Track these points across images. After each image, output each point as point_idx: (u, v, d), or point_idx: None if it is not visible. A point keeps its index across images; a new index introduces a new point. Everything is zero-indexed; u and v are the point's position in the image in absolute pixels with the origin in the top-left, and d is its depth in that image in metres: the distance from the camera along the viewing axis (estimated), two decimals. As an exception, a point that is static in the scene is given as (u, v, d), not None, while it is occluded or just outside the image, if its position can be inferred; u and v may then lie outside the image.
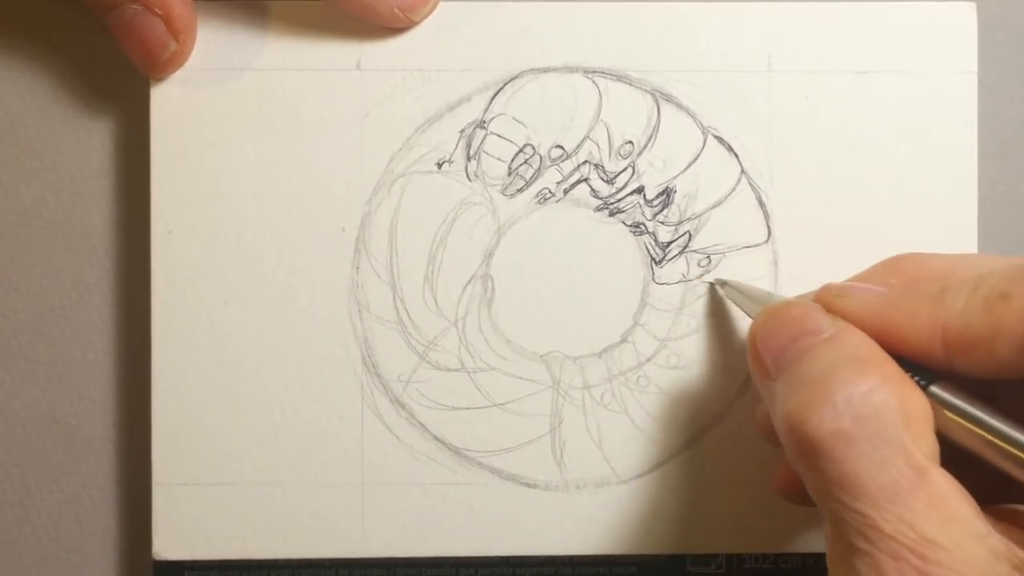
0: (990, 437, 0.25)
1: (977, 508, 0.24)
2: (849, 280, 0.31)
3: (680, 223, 0.34)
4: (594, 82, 0.34)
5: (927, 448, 0.25)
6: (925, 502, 0.24)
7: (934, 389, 0.26)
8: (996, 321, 0.25)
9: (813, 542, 0.34)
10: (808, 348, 0.27)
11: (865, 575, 0.24)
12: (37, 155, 0.35)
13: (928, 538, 0.23)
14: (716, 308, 0.34)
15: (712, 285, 0.34)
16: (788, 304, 0.29)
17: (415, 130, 0.34)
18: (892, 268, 0.30)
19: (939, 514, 0.24)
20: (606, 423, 0.34)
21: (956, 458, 0.25)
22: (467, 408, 0.34)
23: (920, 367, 0.27)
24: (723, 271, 0.34)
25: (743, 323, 0.34)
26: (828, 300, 0.28)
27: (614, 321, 0.34)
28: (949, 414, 0.26)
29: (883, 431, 0.24)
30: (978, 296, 0.26)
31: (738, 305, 0.33)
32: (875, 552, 0.24)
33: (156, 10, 0.32)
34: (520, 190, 0.34)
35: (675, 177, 0.34)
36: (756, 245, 0.34)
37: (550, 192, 0.34)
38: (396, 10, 0.33)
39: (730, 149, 0.34)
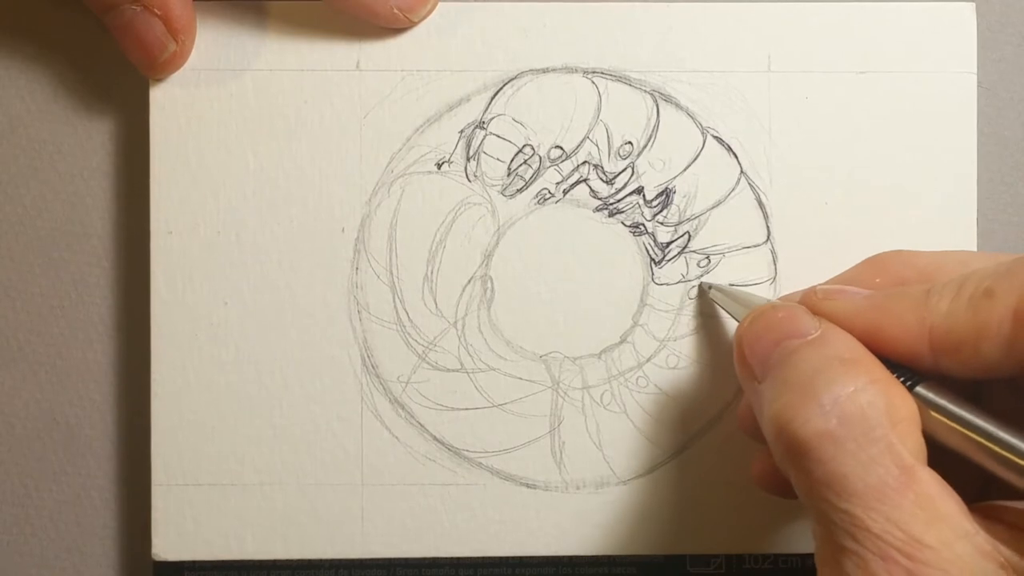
0: (976, 437, 0.25)
1: (964, 507, 0.24)
2: (834, 279, 0.31)
3: (679, 223, 0.34)
4: (593, 82, 0.34)
5: (914, 448, 0.25)
6: (912, 501, 0.24)
7: (920, 390, 0.26)
8: (981, 321, 0.25)
9: (812, 541, 0.34)
10: (794, 350, 0.27)
11: (853, 575, 0.24)
12: (37, 155, 0.35)
13: (915, 537, 0.23)
14: (714, 309, 0.34)
15: (700, 289, 0.34)
16: (773, 307, 0.29)
17: (415, 130, 0.34)
18: (877, 267, 0.30)
19: (926, 513, 0.24)
20: (605, 423, 0.34)
21: (943, 458, 0.25)
22: (467, 408, 0.34)
23: (906, 368, 0.27)
24: (723, 271, 0.34)
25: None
26: (814, 303, 0.29)
27: (613, 321, 0.34)
28: (935, 415, 0.26)
29: (870, 431, 0.24)
30: (963, 296, 0.26)
31: (725, 309, 0.33)
32: (863, 552, 0.24)
33: (155, 11, 0.32)
34: (520, 190, 0.34)
35: (674, 177, 0.34)
36: (756, 245, 0.34)
37: (549, 192, 0.34)
38: (395, 10, 0.33)
39: (729, 149, 0.34)
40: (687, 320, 0.34)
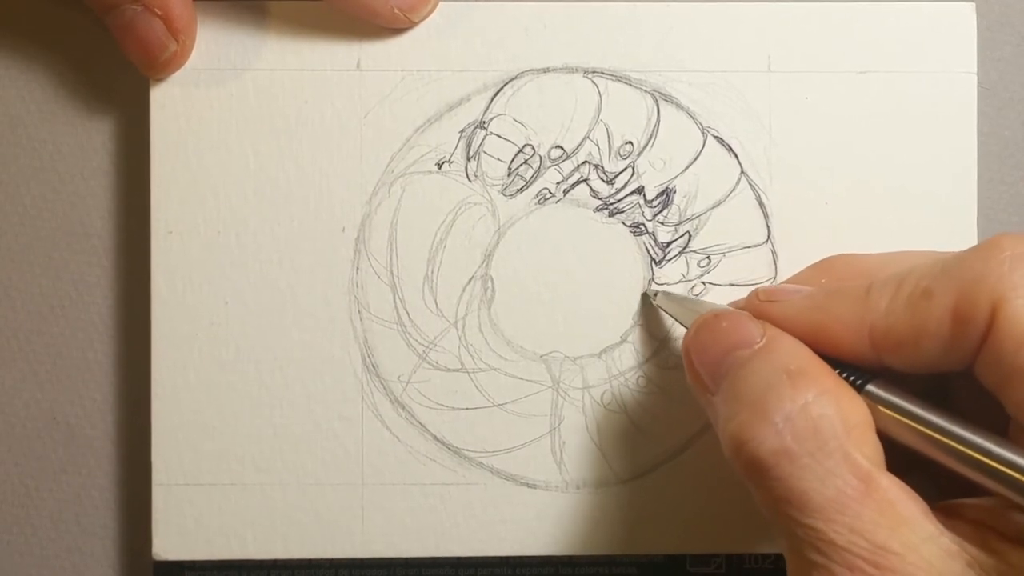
0: (928, 432, 0.25)
1: (926, 508, 0.24)
2: (781, 283, 0.31)
3: (680, 223, 0.34)
4: (594, 82, 0.34)
5: (871, 453, 0.25)
6: (873, 509, 0.24)
7: (869, 388, 0.26)
8: (920, 320, 0.25)
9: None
10: (742, 361, 0.27)
11: None
12: (37, 155, 0.35)
13: (880, 545, 0.23)
14: (656, 314, 0.34)
15: (644, 295, 0.34)
16: (716, 315, 0.29)
17: (415, 130, 0.34)
18: (823, 269, 0.31)
19: (889, 520, 0.24)
20: (606, 423, 0.34)
21: (901, 459, 0.25)
22: (467, 408, 0.34)
23: (854, 367, 0.27)
24: (723, 271, 0.34)
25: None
26: (757, 306, 0.29)
27: (614, 321, 0.34)
28: (886, 411, 0.26)
29: (824, 444, 0.24)
30: (901, 295, 0.26)
31: (671, 315, 0.33)
32: (830, 564, 0.24)
33: (156, 11, 0.32)
34: (520, 190, 0.34)
35: (675, 177, 0.34)
36: (756, 245, 0.34)
37: (550, 192, 0.34)
38: (396, 10, 0.33)
39: (730, 149, 0.34)
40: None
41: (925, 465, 0.25)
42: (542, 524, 0.34)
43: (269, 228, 0.34)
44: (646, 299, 0.33)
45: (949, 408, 0.26)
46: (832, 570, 0.24)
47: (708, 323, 0.29)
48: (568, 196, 0.34)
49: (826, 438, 0.25)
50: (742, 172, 0.34)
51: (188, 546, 0.33)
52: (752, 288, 0.32)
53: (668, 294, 0.33)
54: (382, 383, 0.34)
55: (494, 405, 0.34)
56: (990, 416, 0.25)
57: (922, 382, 0.27)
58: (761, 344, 0.27)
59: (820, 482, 0.24)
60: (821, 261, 0.31)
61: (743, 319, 0.28)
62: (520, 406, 0.34)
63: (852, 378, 0.26)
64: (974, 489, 0.25)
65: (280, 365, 0.33)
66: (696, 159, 0.34)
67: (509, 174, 0.34)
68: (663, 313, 0.33)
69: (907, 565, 0.23)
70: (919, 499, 0.24)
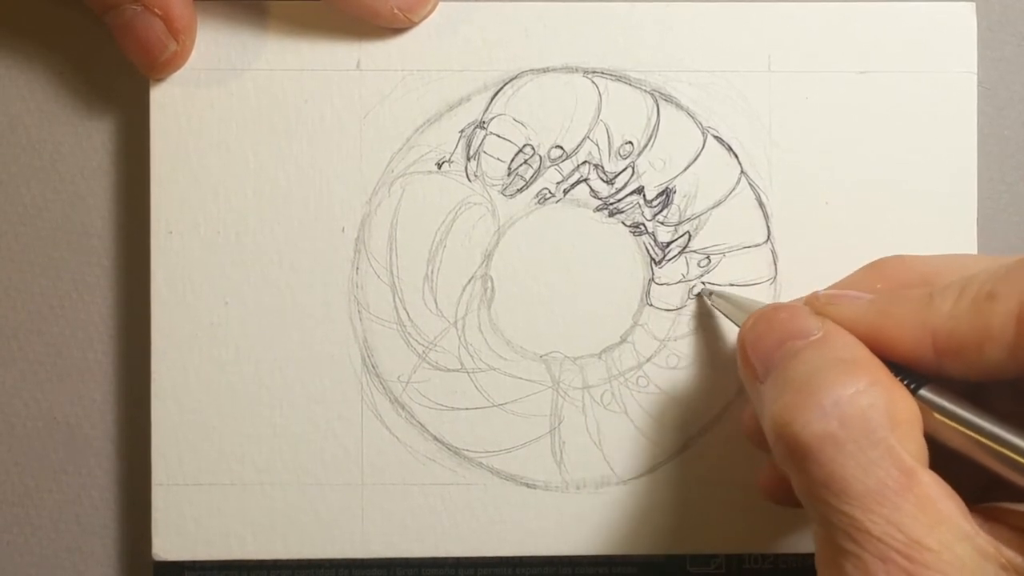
0: (980, 438, 0.25)
1: (965, 509, 0.24)
2: (834, 285, 0.31)
3: (680, 223, 0.34)
4: (594, 82, 0.34)
5: (915, 450, 0.25)
6: (913, 503, 0.24)
7: (924, 392, 0.26)
8: (984, 323, 0.25)
9: (813, 542, 0.34)
10: (796, 350, 0.27)
11: None
12: (37, 155, 0.35)
13: (915, 540, 0.23)
14: (713, 310, 0.34)
15: (699, 296, 0.34)
16: (776, 307, 0.29)
17: (415, 130, 0.34)
18: (877, 272, 0.30)
19: (927, 516, 0.24)
20: (606, 423, 0.34)
21: (944, 460, 0.25)
22: (467, 408, 0.34)
23: (909, 371, 0.27)
24: (723, 271, 0.34)
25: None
26: (816, 307, 0.28)
27: (614, 321, 0.34)
28: (939, 417, 0.26)
29: (870, 433, 0.24)
30: (965, 298, 0.26)
31: (726, 315, 0.33)
32: (863, 554, 0.24)
33: (155, 10, 0.32)
34: (520, 190, 0.34)
35: (675, 177, 0.34)
36: (756, 245, 0.34)
37: (550, 192, 0.34)
38: (396, 10, 0.33)
39: (730, 149, 0.34)
40: (687, 320, 0.34)
41: (965, 467, 0.25)
42: (542, 524, 0.34)
43: (269, 228, 0.34)
44: (701, 298, 0.33)
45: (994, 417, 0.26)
46: (864, 559, 0.24)
47: (767, 314, 0.29)
48: (568, 196, 0.34)
49: (873, 428, 0.24)
50: (742, 172, 0.34)
51: (188, 546, 0.33)
52: (750, 286, 0.32)
53: (723, 293, 0.33)
54: (382, 383, 0.34)
55: (494, 405, 0.34)
56: None
57: (963, 388, 0.26)
58: (818, 336, 0.27)
59: (862, 471, 0.24)
60: (874, 263, 0.31)
61: (802, 311, 0.28)
62: (520, 406, 0.34)
63: (906, 381, 0.26)
64: (1015, 495, 0.25)
65: (280, 365, 0.33)
66: (696, 159, 0.34)
67: (509, 174, 0.34)
68: (717, 312, 0.33)
69: (941, 562, 0.23)
70: (958, 499, 0.24)
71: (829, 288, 0.30)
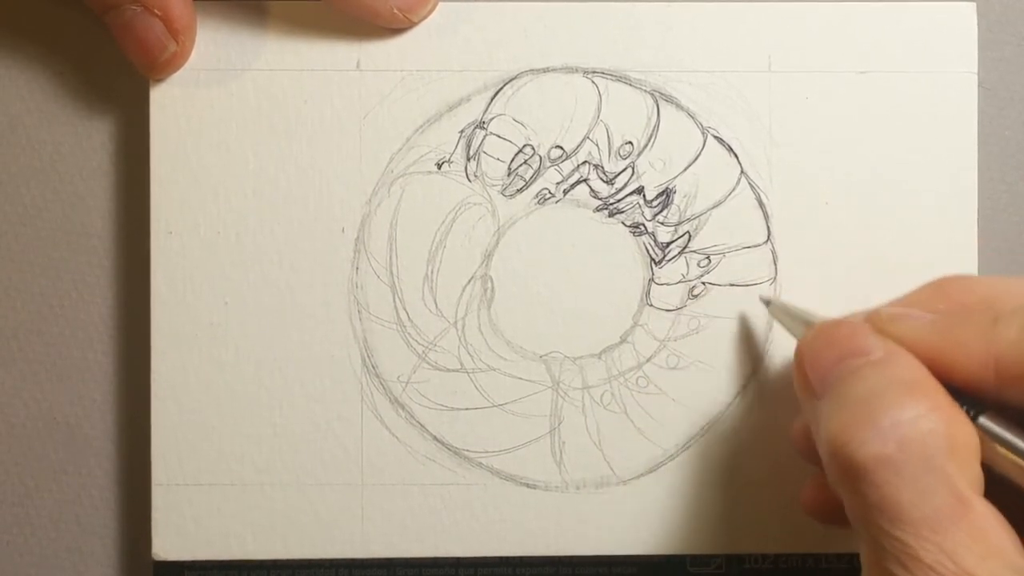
0: None
1: (1019, 542, 0.24)
2: (894, 303, 0.30)
3: (680, 223, 0.34)
4: (594, 82, 0.34)
5: (971, 479, 0.24)
6: (966, 533, 0.23)
7: (983, 420, 0.26)
8: None
9: (813, 542, 0.34)
10: (856, 369, 0.27)
11: None
12: (37, 155, 0.35)
13: (967, 570, 0.23)
14: (715, 309, 0.34)
15: (761, 299, 0.33)
16: (837, 323, 0.29)
17: (415, 130, 0.34)
18: (938, 292, 0.30)
19: (979, 546, 0.23)
20: (606, 423, 0.34)
21: (1000, 490, 0.25)
22: (467, 408, 0.34)
23: (970, 397, 0.26)
24: (723, 271, 0.34)
25: (743, 323, 0.34)
26: (878, 325, 0.28)
27: (614, 321, 0.34)
28: (998, 447, 0.25)
29: (928, 459, 0.24)
30: None
31: (783, 324, 0.32)
32: None
33: (155, 11, 0.32)
34: (520, 190, 0.34)
35: (675, 177, 0.34)
36: (756, 245, 0.34)
37: (550, 192, 0.34)
38: (396, 11, 0.33)
39: (730, 149, 0.34)
40: (687, 320, 0.34)
41: (1022, 502, 0.25)
42: (542, 524, 0.34)
43: (269, 228, 0.34)
44: (768, 305, 0.33)
45: None
46: None
47: (827, 329, 0.28)
48: (568, 196, 0.34)
49: (931, 453, 0.24)
50: (742, 172, 0.34)
51: (188, 546, 0.33)
52: (750, 286, 0.32)
53: (783, 303, 0.32)
54: (382, 383, 0.34)
55: (494, 405, 0.34)
56: None
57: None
58: (879, 356, 0.27)
59: (918, 496, 0.24)
60: (935, 282, 0.30)
61: (864, 329, 0.28)
62: (520, 406, 0.34)
63: (965, 407, 0.26)
64: None
65: (280, 365, 0.33)
66: (696, 159, 0.34)
67: (509, 174, 0.34)
68: (776, 322, 0.33)
69: None
70: (1013, 532, 0.24)
71: (890, 305, 0.30)
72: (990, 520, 0.24)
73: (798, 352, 0.29)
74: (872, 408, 0.25)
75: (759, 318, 0.34)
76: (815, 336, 0.28)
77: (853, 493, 0.25)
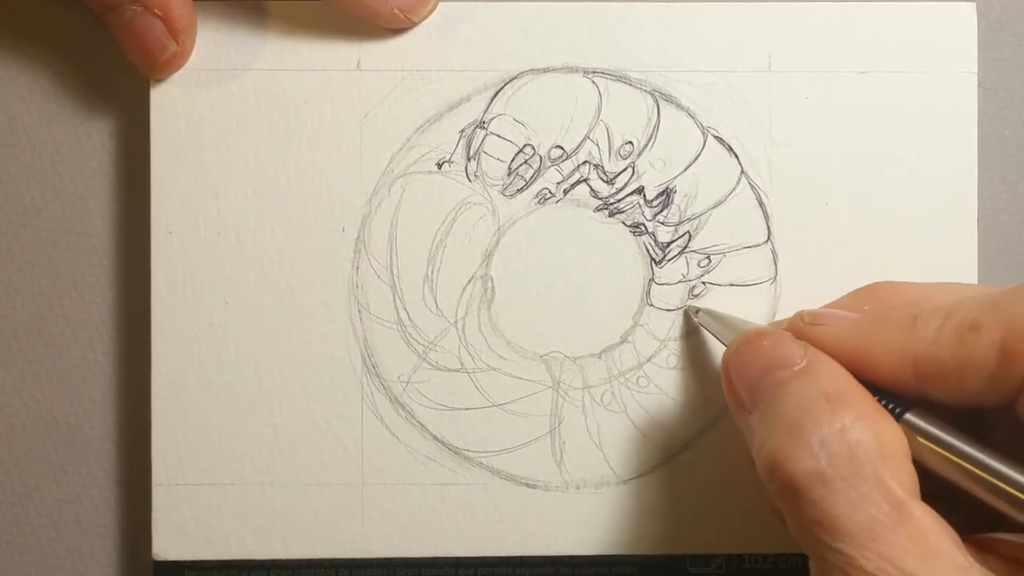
0: (965, 465, 0.25)
1: (958, 541, 0.24)
2: (825, 307, 0.31)
3: (680, 223, 0.34)
4: (594, 82, 0.34)
5: (905, 481, 0.25)
6: (905, 538, 0.24)
7: (909, 417, 0.26)
8: (966, 352, 0.25)
9: None
10: (782, 382, 0.27)
11: None
12: (37, 155, 0.35)
13: (910, 574, 0.23)
14: (715, 308, 0.34)
15: (687, 312, 0.34)
16: (758, 334, 0.29)
17: (415, 130, 0.34)
18: (867, 295, 0.30)
19: (920, 549, 0.24)
20: (606, 423, 0.34)
21: (936, 489, 0.25)
22: (467, 408, 0.34)
23: (894, 395, 0.26)
24: (723, 271, 0.34)
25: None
26: (800, 328, 0.28)
27: (614, 321, 0.34)
28: (924, 442, 0.26)
29: (859, 469, 0.24)
30: (949, 326, 0.26)
31: (711, 332, 0.33)
32: None
33: (155, 11, 0.32)
34: (520, 190, 0.34)
35: (675, 177, 0.34)
36: (756, 245, 0.34)
37: (550, 192, 0.34)
38: (396, 11, 0.33)
39: (730, 149, 0.34)
40: (687, 320, 0.34)
41: (958, 496, 0.25)
42: (542, 524, 0.34)
43: (269, 228, 0.34)
44: (688, 315, 0.33)
45: (985, 442, 0.25)
46: None
47: (749, 341, 0.29)
48: (568, 196, 0.34)
49: (861, 463, 0.24)
50: (742, 172, 0.34)
51: (188, 546, 0.33)
52: (750, 286, 0.32)
53: (710, 311, 0.33)
54: (382, 383, 0.34)
55: (494, 405, 0.34)
56: None
57: (959, 414, 0.26)
58: (801, 366, 0.27)
59: (853, 507, 0.24)
60: (865, 287, 0.31)
61: (785, 339, 0.28)
62: (520, 406, 0.34)
63: (891, 406, 0.26)
64: (1008, 523, 0.25)
65: (280, 365, 0.33)
66: (696, 159, 0.34)
67: (509, 174, 0.34)
68: (703, 329, 0.33)
69: None
70: (951, 531, 0.24)
71: (819, 309, 0.30)
72: (928, 522, 0.24)
73: (724, 364, 0.29)
74: (801, 425, 0.25)
75: (760, 318, 0.34)
76: (739, 348, 0.29)
77: (792, 510, 0.25)
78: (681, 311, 0.34)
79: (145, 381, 0.34)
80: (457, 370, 0.34)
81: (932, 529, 0.24)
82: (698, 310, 0.33)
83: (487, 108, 0.34)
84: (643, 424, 0.34)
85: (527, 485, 0.34)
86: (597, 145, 0.34)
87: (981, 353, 0.25)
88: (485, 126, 0.34)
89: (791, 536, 0.34)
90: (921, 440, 0.26)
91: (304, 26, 0.34)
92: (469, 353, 0.34)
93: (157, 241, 0.33)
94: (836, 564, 0.24)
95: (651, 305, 0.34)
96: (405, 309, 0.34)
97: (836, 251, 0.34)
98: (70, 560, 0.35)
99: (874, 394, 0.26)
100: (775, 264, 0.34)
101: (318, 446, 0.34)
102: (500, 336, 0.34)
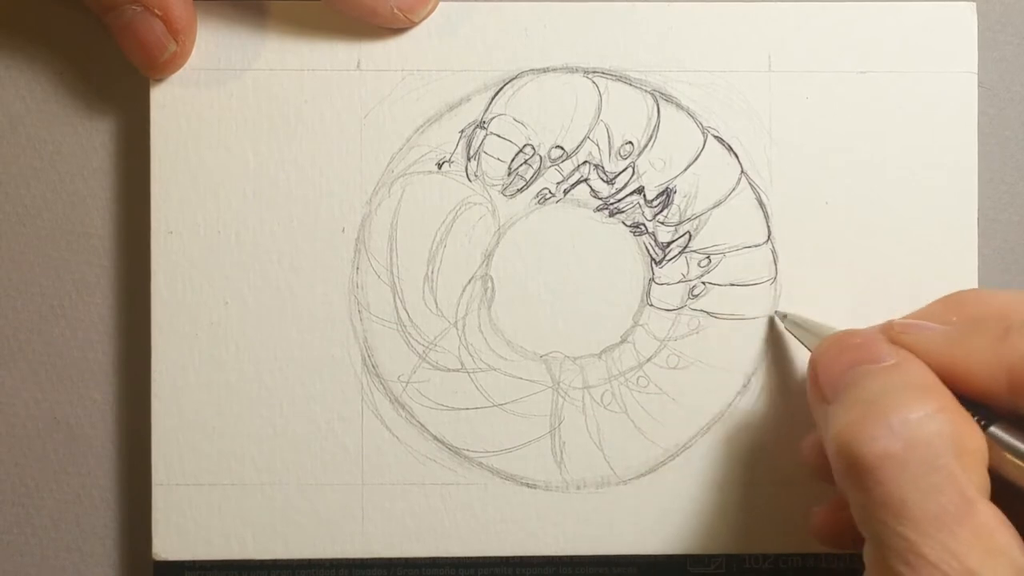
0: None
1: (1022, 544, 0.24)
2: (909, 316, 0.30)
3: (680, 223, 0.34)
4: (594, 82, 0.34)
5: (977, 481, 0.25)
6: (970, 532, 0.24)
7: (994, 429, 0.26)
8: None
9: (813, 542, 0.34)
10: (867, 373, 0.27)
11: None
12: (37, 155, 0.35)
13: (970, 568, 0.23)
14: (715, 308, 0.34)
15: (774, 317, 0.33)
16: (851, 333, 0.29)
17: (415, 130, 0.34)
18: (954, 305, 0.30)
19: (983, 545, 0.24)
20: (606, 423, 0.34)
21: (1007, 498, 0.25)
22: (467, 408, 0.34)
23: (982, 406, 0.26)
24: (723, 271, 0.34)
25: (743, 324, 0.34)
26: (891, 336, 0.28)
27: (614, 321, 0.34)
28: (1008, 455, 0.25)
29: (935, 458, 0.24)
30: None
31: (797, 337, 0.33)
32: None
33: (155, 11, 0.32)
34: (520, 190, 0.34)
35: (675, 177, 0.34)
36: (756, 245, 0.34)
37: (550, 192, 0.34)
38: (396, 11, 0.33)
39: (730, 149, 0.34)
40: (688, 320, 0.34)
41: None
42: (542, 524, 0.34)
43: (269, 228, 0.34)
44: (772, 321, 0.33)
45: None
46: None
47: (841, 338, 0.29)
48: (568, 196, 0.34)
49: (938, 453, 0.24)
50: (742, 172, 0.34)
51: (188, 546, 0.33)
52: (750, 286, 0.31)
53: (797, 317, 0.33)
54: (382, 383, 0.34)
55: (494, 405, 0.34)
56: None
57: None
58: (891, 363, 0.27)
59: (923, 494, 0.24)
60: (950, 296, 0.30)
61: (878, 338, 0.28)
62: (520, 406, 0.34)
63: (977, 417, 0.26)
64: None
65: (280, 365, 0.33)
66: (696, 159, 0.34)
67: (509, 174, 0.34)
68: (790, 336, 0.33)
69: None
70: (1016, 533, 0.24)
71: (905, 318, 0.30)
72: (994, 520, 0.24)
73: (811, 360, 0.29)
74: (881, 407, 0.25)
75: (759, 318, 0.34)
76: (829, 344, 0.29)
77: (859, 489, 0.25)
78: (681, 309, 0.34)
79: (145, 381, 0.34)
80: (457, 370, 0.34)
81: (997, 528, 0.24)
82: (785, 315, 0.33)
83: (487, 108, 0.34)
84: (643, 424, 0.34)
85: (527, 485, 0.34)
86: (597, 145, 0.34)
87: None
88: (485, 126, 0.34)
89: (791, 536, 0.34)
90: (1006, 454, 0.26)
91: (304, 26, 0.34)
92: (469, 353, 0.34)
93: (157, 241, 0.33)
94: (897, 548, 0.24)
95: (651, 305, 0.34)
96: (405, 309, 0.34)
97: (836, 251, 0.34)
98: (70, 560, 0.35)
99: (962, 403, 0.26)
100: (775, 264, 0.34)
101: (318, 446, 0.34)
102: (500, 336, 0.34)
